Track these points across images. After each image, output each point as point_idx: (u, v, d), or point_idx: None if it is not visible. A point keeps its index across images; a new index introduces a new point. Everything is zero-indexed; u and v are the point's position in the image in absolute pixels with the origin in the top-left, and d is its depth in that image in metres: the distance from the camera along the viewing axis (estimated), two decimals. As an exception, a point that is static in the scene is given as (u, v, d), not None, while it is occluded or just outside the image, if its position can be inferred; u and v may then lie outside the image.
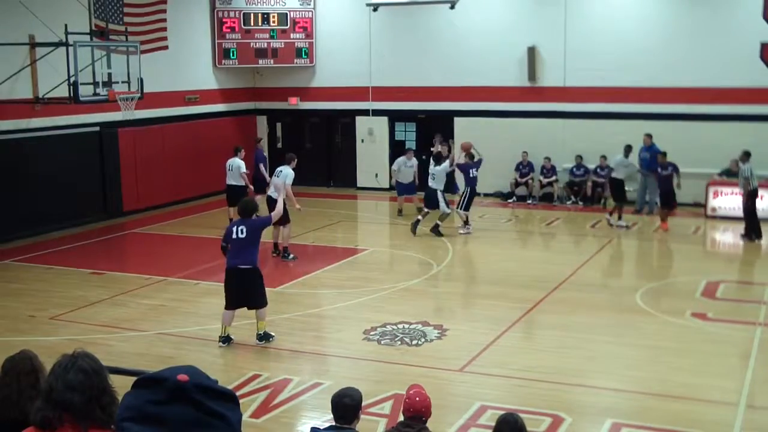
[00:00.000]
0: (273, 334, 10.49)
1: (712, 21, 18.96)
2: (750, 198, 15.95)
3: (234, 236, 10.08)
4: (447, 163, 16.95)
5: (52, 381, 2.80)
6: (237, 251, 10.13)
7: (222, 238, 10.48)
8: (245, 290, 10.18)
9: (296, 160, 14.85)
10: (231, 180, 16.81)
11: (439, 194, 16.58)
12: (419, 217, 16.95)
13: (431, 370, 9.50)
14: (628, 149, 17.78)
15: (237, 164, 16.75)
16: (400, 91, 21.91)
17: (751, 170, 15.87)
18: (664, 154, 17.47)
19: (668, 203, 17.48)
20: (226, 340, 10.34)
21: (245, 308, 10.42)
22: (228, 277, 10.24)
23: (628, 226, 17.35)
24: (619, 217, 17.42)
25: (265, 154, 20.15)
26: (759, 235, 16.03)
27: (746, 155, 15.96)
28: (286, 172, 14.31)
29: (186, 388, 1.66)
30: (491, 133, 20.80)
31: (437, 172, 16.71)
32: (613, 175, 17.82)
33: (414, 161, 19.15)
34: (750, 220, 16.05)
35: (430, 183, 16.80)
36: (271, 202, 14.10)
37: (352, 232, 18.11)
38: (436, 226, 16.51)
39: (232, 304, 10.24)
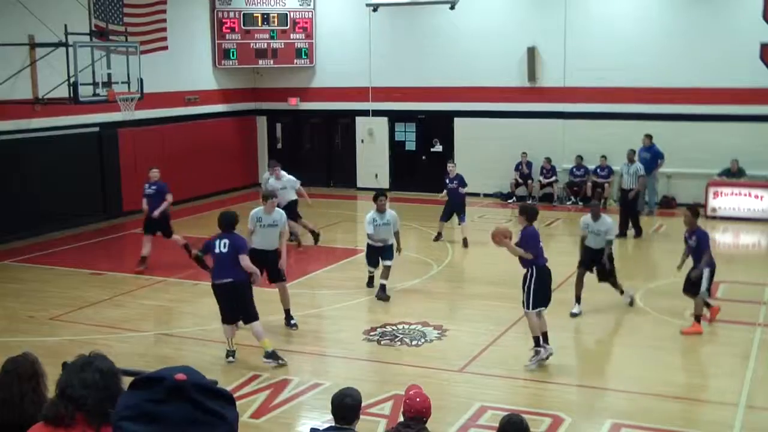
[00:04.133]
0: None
1: (712, 21, 18.96)
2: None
3: (217, 250, 9.42)
4: None
5: (68, 378, 2.81)
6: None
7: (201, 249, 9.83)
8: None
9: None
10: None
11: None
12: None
13: (431, 370, 9.50)
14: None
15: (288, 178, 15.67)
16: (400, 92, 21.91)
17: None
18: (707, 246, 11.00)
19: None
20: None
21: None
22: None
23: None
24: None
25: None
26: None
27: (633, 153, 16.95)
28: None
29: (184, 387, 1.66)
30: (491, 133, 20.82)
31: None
32: None
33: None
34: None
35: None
36: None
37: (352, 232, 18.08)
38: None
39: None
